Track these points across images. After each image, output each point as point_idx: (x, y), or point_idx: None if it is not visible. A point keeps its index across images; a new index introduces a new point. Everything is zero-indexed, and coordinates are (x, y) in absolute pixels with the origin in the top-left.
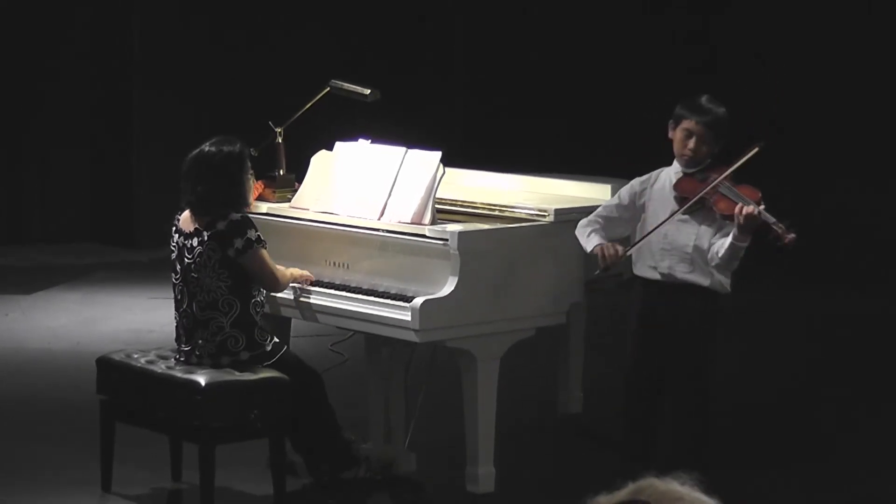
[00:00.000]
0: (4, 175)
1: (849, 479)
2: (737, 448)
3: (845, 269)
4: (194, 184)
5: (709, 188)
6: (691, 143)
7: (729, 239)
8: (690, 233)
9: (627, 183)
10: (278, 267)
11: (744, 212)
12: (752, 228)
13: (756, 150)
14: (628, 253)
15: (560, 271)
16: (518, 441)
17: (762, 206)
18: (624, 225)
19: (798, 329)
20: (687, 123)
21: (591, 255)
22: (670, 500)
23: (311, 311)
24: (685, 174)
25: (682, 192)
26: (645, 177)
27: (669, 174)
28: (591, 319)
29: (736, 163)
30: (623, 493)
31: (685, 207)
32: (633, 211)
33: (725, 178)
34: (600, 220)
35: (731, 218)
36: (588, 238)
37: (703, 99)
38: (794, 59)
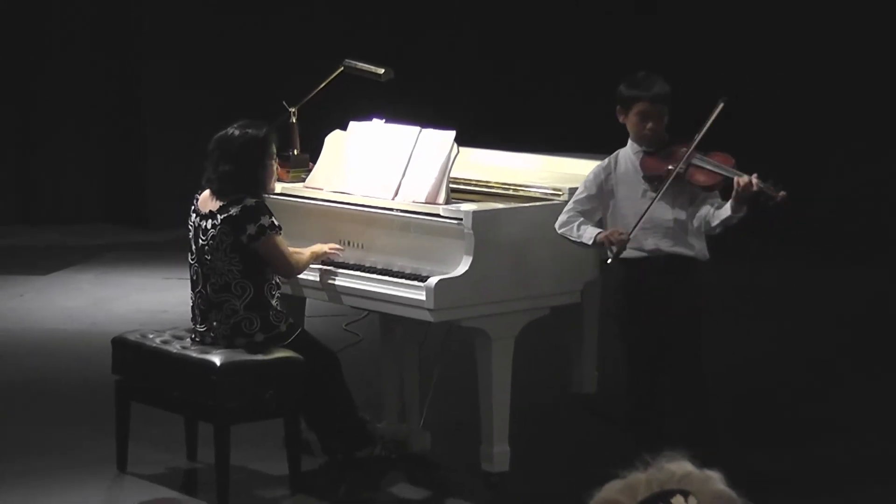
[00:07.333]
0: (18, 155)
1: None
2: (752, 429)
3: (867, 247)
4: (216, 165)
5: (681, 163)
6: (650, 124)
7: (726, 212)
8: (666, 207)
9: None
10: (296, 251)
11: (741, 184)
12: (749, 198)
13: (721, 106)
14: (631, 235)
15: (574, 250)
16: (532, 420)
17: (755, 176)
18: (598, 214)
19: (821, 308)
20: (640, 106)
21: (596, 245)
22: (704, 485)
23: (325, 291)
24: (646, 153)
25: (650, 170)
26: (604, 162)
27: (628, 155)
28: (606, 298)
29: (703, 128)
30: (649, 479)
31: (665, 187)
32: (601, 199)
33: (695, 149)
34: (579, 215)
35: (712, 188)
36: (581, 231)
37: (645, 77)
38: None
